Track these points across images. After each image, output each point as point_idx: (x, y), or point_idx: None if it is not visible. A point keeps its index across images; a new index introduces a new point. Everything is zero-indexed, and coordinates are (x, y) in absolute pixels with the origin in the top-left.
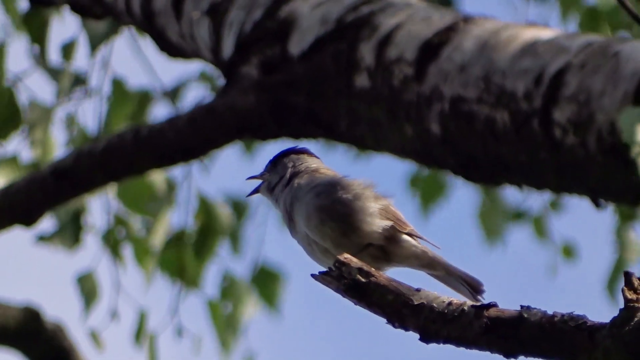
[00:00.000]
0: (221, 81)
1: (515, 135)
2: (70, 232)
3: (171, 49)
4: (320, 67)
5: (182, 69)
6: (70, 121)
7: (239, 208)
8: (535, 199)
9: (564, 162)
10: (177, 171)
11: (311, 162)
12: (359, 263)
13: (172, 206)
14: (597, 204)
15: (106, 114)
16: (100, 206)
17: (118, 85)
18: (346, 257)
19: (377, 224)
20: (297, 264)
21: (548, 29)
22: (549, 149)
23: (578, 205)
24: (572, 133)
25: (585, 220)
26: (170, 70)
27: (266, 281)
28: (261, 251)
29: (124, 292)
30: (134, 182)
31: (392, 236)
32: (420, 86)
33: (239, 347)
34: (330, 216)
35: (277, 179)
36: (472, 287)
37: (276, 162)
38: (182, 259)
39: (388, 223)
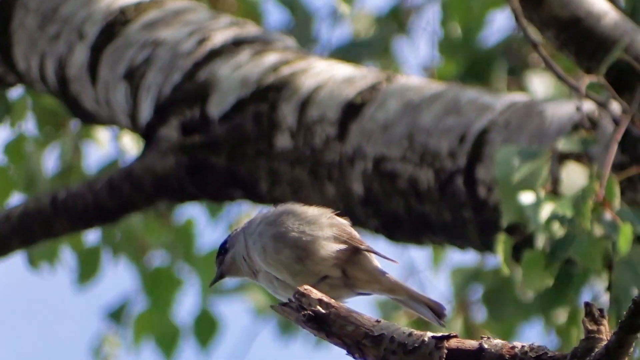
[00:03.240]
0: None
1: (439, 194)
2: None
3: (86, 115)
4: (240, 128)
5: None
6: None
7: None
8: None
9: (488, 220)
10: None
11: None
12: (318, 294)
13: None
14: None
15: None
16: None
17: None
18: (306, 288)
19: (332, 248)
20: None
21: (471, 88)
22: (473, 207)
23: None
24: (496, 191)
25: None
26: None
27: None
28: None
29: None
30: None
31: (349, 259)
32: (342, 146)
33: None
34: (284, 243)
35: (230, 252)
36: (435, 311)
37: (224, 247)
38: None
39: (342, 246)
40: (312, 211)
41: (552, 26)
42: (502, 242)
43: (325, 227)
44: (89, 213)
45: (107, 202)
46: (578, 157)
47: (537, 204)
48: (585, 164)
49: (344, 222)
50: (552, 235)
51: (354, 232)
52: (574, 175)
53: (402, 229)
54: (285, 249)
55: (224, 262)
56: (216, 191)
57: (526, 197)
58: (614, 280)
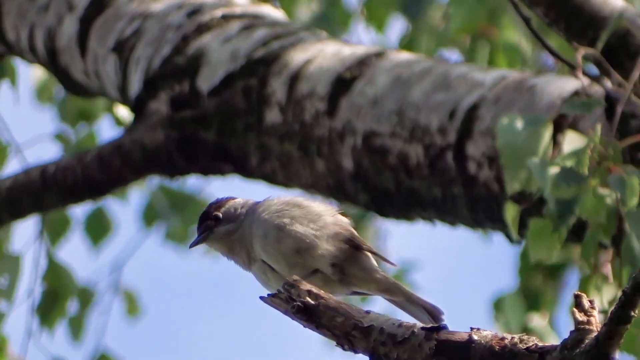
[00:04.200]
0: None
1: (429, 170)
2: None
3: (76, 87)
4: (230, 103)
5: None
6: None
7: (84, 295)
8: None
9: (478, 196)
10: (30, 231)
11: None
12: (308, 285)
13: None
14: (510, 239)
15: None
16: None
17: None
18: (295, 279)
19: (333, 245)
20: (140, 355)
21: (462, 64)
22: (463, 183)
23: None
24: (487, 167)
25: None
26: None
27: None
28: (102, 340)
29: None
30: None
31: (349, 257)
32: (332, 121)
33: None
34: (287, 234)
35: (231, 225)
36: (432, 314)
37: (216, 216)
38: None
39: (343, 245)
40: (317, 207)
41: (541, 2)
42: (510, 210)
43: (329, 225)
44: (78, 187)
45: (97, 176)
46: (574, 127)
47: (544, 166)
48: (582, 134)
49: (347, 221)
50: (559, 197)
51: (355, 232)
52: (573, 143)
53: (391, 204)
54: (287, 239)
55: (214, 233)
56: (206, 165)
57: (534, 161)
58: (625, 244)
